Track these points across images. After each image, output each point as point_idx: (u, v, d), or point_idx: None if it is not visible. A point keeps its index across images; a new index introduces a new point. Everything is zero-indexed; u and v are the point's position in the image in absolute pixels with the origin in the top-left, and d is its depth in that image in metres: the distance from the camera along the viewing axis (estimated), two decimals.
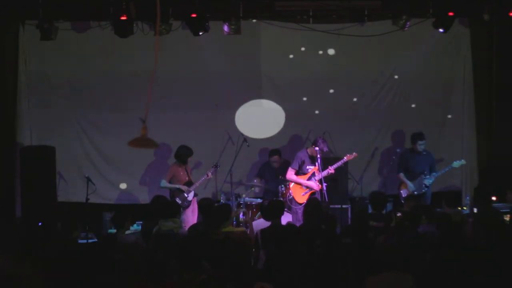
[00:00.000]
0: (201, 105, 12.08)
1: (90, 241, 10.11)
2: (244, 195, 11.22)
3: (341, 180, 11.32)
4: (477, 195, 10.25)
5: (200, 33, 10.85)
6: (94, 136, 12.19)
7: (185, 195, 10.75)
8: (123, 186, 12.18)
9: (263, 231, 7.98)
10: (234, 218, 10.58)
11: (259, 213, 10.46)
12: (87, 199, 10.68)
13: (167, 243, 7.50)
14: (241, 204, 11.05)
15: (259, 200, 11.18)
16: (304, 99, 12.20)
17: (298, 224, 9.40)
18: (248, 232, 8.64)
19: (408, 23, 11.00)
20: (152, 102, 6.41)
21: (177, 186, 10.86)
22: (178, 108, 12.05)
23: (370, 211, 9.70)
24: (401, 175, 11.08)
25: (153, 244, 7.92)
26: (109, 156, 12.15)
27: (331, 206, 10.68)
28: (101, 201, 11.66)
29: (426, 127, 11.64)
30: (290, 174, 10.71)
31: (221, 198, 11.35)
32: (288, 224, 8.68)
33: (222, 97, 12.13)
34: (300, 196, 10.66)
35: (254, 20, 11.68)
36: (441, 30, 11.00)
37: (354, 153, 10.75)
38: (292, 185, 10.76)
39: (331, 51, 12.08)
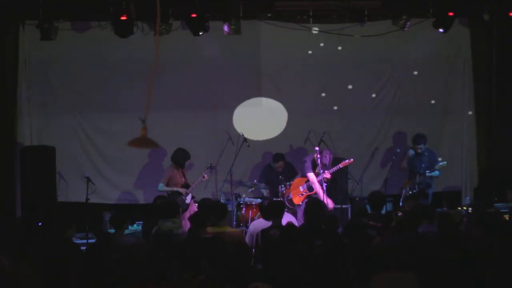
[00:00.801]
0: (201, 105, 12.09)
1: (89, 241, 10.12)
2: (244, 195, 11.21)
3: (341, 180, 11.33)
4: (478, 195, 10.28)
5: (200, 33, 10.84)
6: (94, 136, 12.19)
7: (183, 197, 10.72)
8: (123, 186, 12.18)
9: (263, 231, 7.99)
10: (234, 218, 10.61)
11: (259, 213, 10.46)
12: (87, 199, 10.69)
13: (166, 243, 7.49)
14: (241, 204, 11.04)
15: (259, 200, 11.16)
16: (304, 99, 12.20)
17: (297, 224, 9.41)
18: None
19: (408, 23, 11.00)
20: (152, 102, 6.39)
21: (175, 189, 10.83)
22: (178, 108, 12.05)
23: (369, 211, 9.70)
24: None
25: (153, 244, 7.91)
26: (109, 156, 12.15)
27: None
28: (101, 201, 11.66)
29: (426, 127, 11.65)
30: (312, 177, 10.71)
31: (221, 198, 11.33)
32: (288, 224, 8.67)
33: (222, 97, 12.14)
34: (297, 197, 10.70)
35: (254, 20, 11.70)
36: (441, 30, 11.00)
37: (351, 159, 10.77)
38: (291, 186, 10.78)
39: (330, 52, 12.07)
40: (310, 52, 12.08)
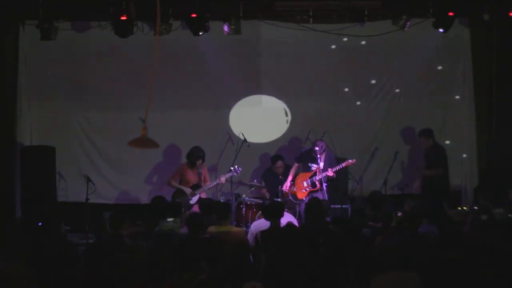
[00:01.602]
0: (201, 105, 12.09)
1: (89, 241, 10.12)
2: (244, 195, 11.22)
3: (341, 180, 11.33)
4: (478, 195, 10.26)
5: (200, 33, 10.85)
6: (94, 136, 12.19)
7: (189, 198, 10.69)
8: (123, 186, 12.17)
9: (263, 232, 8.00)
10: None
11: (259, 213, 10.46)
12: (87, 199, 10.69)
13: (167, 243, 7.49)
14: (241, 204, 11.03)
15: (259, 200, 11.16)
16: (304, 99, 12.19)
17: (297, 221, 9.44)
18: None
19: (408, 23, 11.01)
20: (152, 102, 6.39)
21: (181, 187, 10.81)
22: (178, 108, 12.06)
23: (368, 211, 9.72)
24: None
25: (154, 243, 7.91)
26: (109, 156, 12.15)
27: (331, 206, 10.70)
28: (101, 201, 11.65)
29: (426, 127, 11.64)
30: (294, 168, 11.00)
31: (221, 198, 11.34)
32: (288, 224, 8.67)
33: (222, 97, 12.14)
34: (301, 193, 10.75)
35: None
36: (441, 30, 11.01)
37: (353, 159, 10.86)
38: (295, 181, 10.87)
39: (331, 51, 12.07)
40: (309, 52, 12.07)
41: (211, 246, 6.75)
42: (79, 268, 6.76)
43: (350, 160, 10.84)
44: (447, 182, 11.36)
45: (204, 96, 12.10)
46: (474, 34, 12.02)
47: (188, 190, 10.78)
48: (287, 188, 10.95)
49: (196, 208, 10.54)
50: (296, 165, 11.13)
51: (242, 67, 12.09)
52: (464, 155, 12.16)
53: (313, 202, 9.11)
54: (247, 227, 10.01)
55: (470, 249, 6.81)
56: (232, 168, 10.89)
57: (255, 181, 11.66)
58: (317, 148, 10.68)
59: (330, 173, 10.58)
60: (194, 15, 10.66)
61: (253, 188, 11.53)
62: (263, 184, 11.64)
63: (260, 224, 8.66)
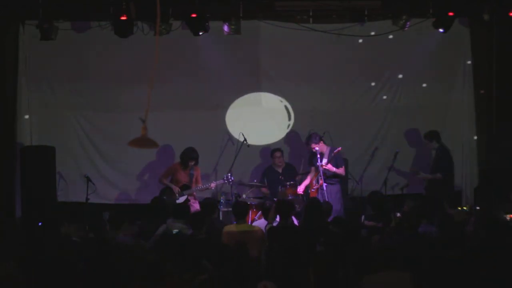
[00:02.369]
0: (201, 105, 12.08)
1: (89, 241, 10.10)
2: (244, 195, 11.21)
3: (341, 180, 11.32)
4: (478, 195, 10.27)
5: (200, 33, 10.85)
6: (94, 136, 12.18)
7: (176, 197, 10.73)
8: (123, 186, 12.18)
9: (269, 230, 8.06)
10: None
11: (259, 213, 10.46)
12: (87, 199, 10.69)
13: (174, 243, 7.50)
14: None
15: (259, 200, 11.16)
16: (304, 99, 12.19)
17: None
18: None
19: (408, 23, 11.01)
20: (152, 102, 6.39)
21: (170, 185, 10.86)
22: (178, 108, 12.05)
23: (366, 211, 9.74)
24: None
25: (159, 243, 7.91)
26: (109, 156, 12.15)
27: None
28: (101, 201, 11.65)
29: (426, 127, 11.64)
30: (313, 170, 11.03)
31: (221, 198, 11.34)
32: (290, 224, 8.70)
33: (222, 97, 12.14)
34: (311, 191, 10.92)
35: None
36: (441, 30, 11.01)
37: (339, 147, 10.85)
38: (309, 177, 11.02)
39: (330, 52, 12.06)
40: (309, 52, 12.07)
41: (212, 246, 6.78)
42: (79, 268, 6.75)
43: (336, 149, 10.84)
44: (451, 184, 11.32)
45: (204, 95, 12.09)
46: (474, 34, 12.02)
47: (176, 189, 10.82)
48: (302, 191, 10.95)
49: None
50: (312, 168, 11.10)
51: (242, 67, 12.09)
52: (464, 155, 12.15)
53: (312, 202, 9.13)
54: None
55: (471, 249, 6.81)
56: (225, 176, 10.94)
57: (255, 181, 11.65)
58: (317, 148, 10.70)
59: (323, 163, 10.64)
60: (194, 15, 10.66)
61: (253, 188, 11.52)
62: (263, 180, 11.62)
63: (261, 224, 8.68)
